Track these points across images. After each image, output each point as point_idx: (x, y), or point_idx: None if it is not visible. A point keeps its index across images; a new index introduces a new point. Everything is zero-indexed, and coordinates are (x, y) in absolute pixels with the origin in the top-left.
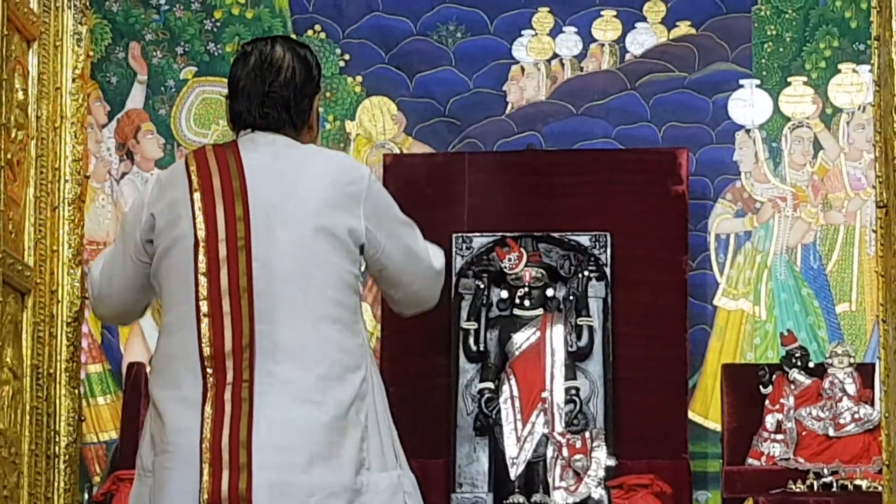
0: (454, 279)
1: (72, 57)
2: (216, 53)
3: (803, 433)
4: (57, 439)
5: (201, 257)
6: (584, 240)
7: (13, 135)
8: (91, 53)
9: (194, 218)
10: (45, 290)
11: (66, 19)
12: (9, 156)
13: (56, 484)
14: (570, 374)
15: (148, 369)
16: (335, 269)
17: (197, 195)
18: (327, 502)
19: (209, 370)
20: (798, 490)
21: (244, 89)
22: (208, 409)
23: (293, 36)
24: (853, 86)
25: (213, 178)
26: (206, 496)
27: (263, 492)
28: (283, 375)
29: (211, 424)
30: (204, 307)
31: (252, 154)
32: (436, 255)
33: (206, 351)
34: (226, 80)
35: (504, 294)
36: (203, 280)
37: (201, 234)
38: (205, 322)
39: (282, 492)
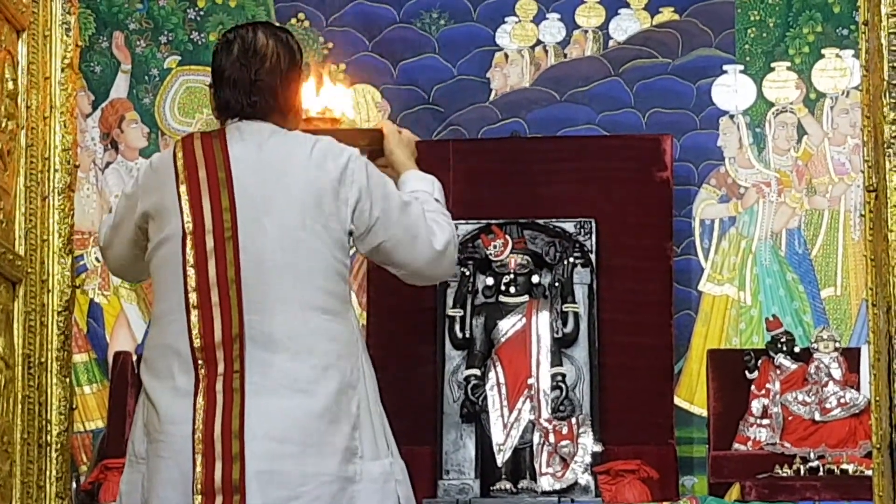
0: None
1: (61, 47)
2: (200, 42)
3: (789, 418)
4: (48, 428)
5: (189, 249)
6: (569, 226)
7: (3, 125)
8: (80, 43)
9: (181, 210)
10: (35, 280)
11: (54, 9)
12: None
13: (48, 472)
14: (556, 360)
15: (134, 358)
16: (323, 258)
17: (183, 188)
18: (320, 491)
19: (200, 361)
20: (785, 475)
21: (230, 78)
22: (200, 400)
23: (267, 21)
24: (837, 70)
25: (199, 169)
26: (199, 486)
27: (254, 481)
28: (274, 365)
29: (203, 415)
30: (193, 299)
31: (238, 144)
32: (439, 232)
33: (197, 342)
34: (210, 69)
35: (489, 281)
36: (191, 272)
37: (188, 226)
38: (194, 314)
39: (273, 481)
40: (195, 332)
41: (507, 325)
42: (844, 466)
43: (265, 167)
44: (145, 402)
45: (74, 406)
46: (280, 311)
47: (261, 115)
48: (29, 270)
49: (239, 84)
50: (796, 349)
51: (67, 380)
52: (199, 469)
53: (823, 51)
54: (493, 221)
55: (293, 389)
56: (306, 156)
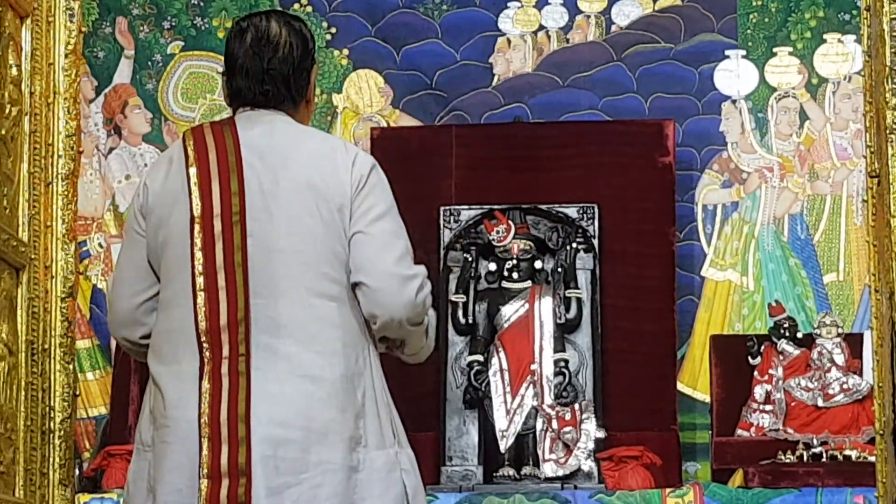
0: (442, 252)
1: (64, 33)
2: (203, 28)
3: (792, 404)
4: (52, 415)
5: (197, 232)
6: (572, 212)
7: (7, 110)
8: (83, 29)
9: (190, 193)
10: (39, 266)
11: None
12: (2, 132)
13: (51, 459)
14: (559, 346)
15: None
16: (330, 247)
17: (193, 170)
18: (322, 478)
19: (205, 345)
20: (787, 461)
21: (242, 67)
22: (206, 383)
23: (280, 9)
24: (839, 56)
25: (210, 153)
26: (205, 470)
27: (259, 466)
28: (280, 349)
29: (209, 399)
30: (200, 282)
31: (249, 131)
32: (414, 268)
33: (202, 325)
34: (213, 55)
35: (492, 266)
36: (199, 255)
37: (197, 209)
38: (200, 297)
39: (277, 467)
40: (201, 315)
41: (510, 311)
42: (847, 452)
43: (275, 154)
44: (152, 388)
45: (77, 393)
46: (285, 296)
47: (272, 104)
48: (32, 256)
49: (251, 73)
50: (799, 335)
51: (71, 366)
52: (205, 453)
53: (825, 36)
54: (496, 207)
55: (297, 375)
56: (317, 146)
